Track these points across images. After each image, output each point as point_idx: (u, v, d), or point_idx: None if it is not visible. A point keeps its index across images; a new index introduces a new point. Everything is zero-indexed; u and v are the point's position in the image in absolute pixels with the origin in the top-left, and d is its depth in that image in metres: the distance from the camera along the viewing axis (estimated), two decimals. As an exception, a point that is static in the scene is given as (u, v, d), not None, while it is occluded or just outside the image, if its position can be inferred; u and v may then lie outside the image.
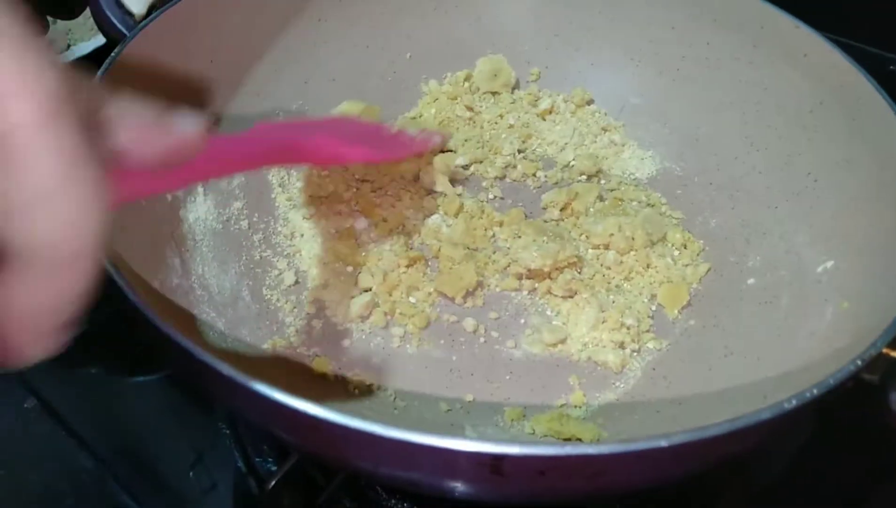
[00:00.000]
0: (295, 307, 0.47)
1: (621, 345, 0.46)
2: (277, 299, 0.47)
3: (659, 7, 0.56)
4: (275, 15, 0.54)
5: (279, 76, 0.55)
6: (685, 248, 0.51)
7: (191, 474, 0.45)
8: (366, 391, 0.43)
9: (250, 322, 0.45)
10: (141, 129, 0.24)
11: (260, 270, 0.48)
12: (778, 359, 0.42)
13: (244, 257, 0.48)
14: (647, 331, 0.47)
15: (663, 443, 0.27)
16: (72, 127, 0.20)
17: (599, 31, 0.59)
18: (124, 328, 0.48)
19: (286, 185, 0.53)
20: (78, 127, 0.20)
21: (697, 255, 0.51)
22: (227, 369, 0.28)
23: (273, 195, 0.52)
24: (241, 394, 0.29)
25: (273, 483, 0.41)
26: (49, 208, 0.19)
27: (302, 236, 0.51)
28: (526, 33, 0.61)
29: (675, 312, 0.48)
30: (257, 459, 0.46)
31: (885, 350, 0.33)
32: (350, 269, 0.49)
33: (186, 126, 0.26)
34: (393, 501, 0.43)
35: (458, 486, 0.31)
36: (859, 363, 0.31)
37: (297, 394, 0.41)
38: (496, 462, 0.27)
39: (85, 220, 0.20)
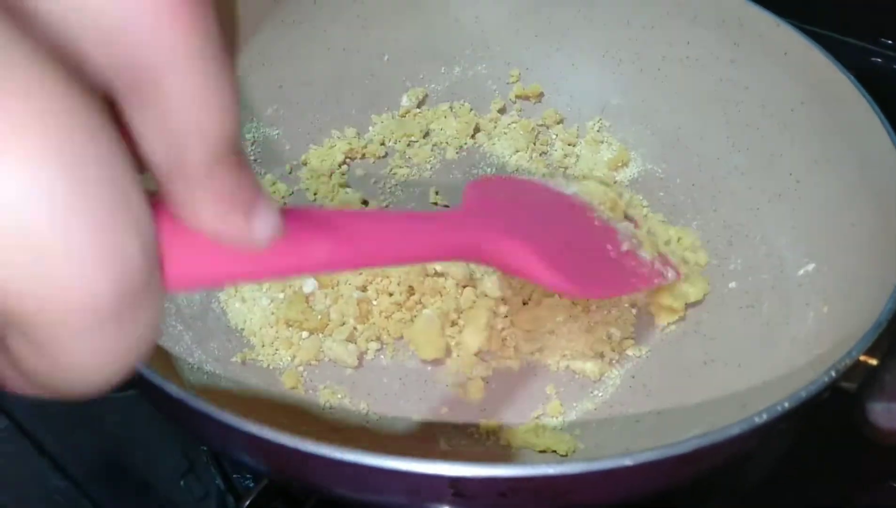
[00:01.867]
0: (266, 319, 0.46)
1: (600, 353, 0.45)
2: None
3: (638, 5, 0.55)
4: (246, 17, 0.53)
5: (252, 81, 0.54)
6: (667, 251, 0.50)
7: (182, 483, 0.44)
8: (337, 404, 0.42)
9: (219, 335, 0.44)
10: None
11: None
12: (759, 366, 0.41)
13: (216, 268, 0.47)
14: (628, 338, 0.46)
15: (628, 462, 0.26)
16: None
17: (579, 31, 0.58)
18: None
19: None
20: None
21: (679, 259, 0.50)
22: (174, 390, 0.27)
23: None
24: (185, 413, 0.28)
25: (249, 500, 0.41)
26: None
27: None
28: (505, 34, 0.60)
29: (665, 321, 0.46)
30: (235, 476, 0.45)
31: (862, 358, 0.33)
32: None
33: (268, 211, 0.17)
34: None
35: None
36: (833, 374, 0.30)
37: (264, 409, 0.40)
38: (455, 484, 0.26)
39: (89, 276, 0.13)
